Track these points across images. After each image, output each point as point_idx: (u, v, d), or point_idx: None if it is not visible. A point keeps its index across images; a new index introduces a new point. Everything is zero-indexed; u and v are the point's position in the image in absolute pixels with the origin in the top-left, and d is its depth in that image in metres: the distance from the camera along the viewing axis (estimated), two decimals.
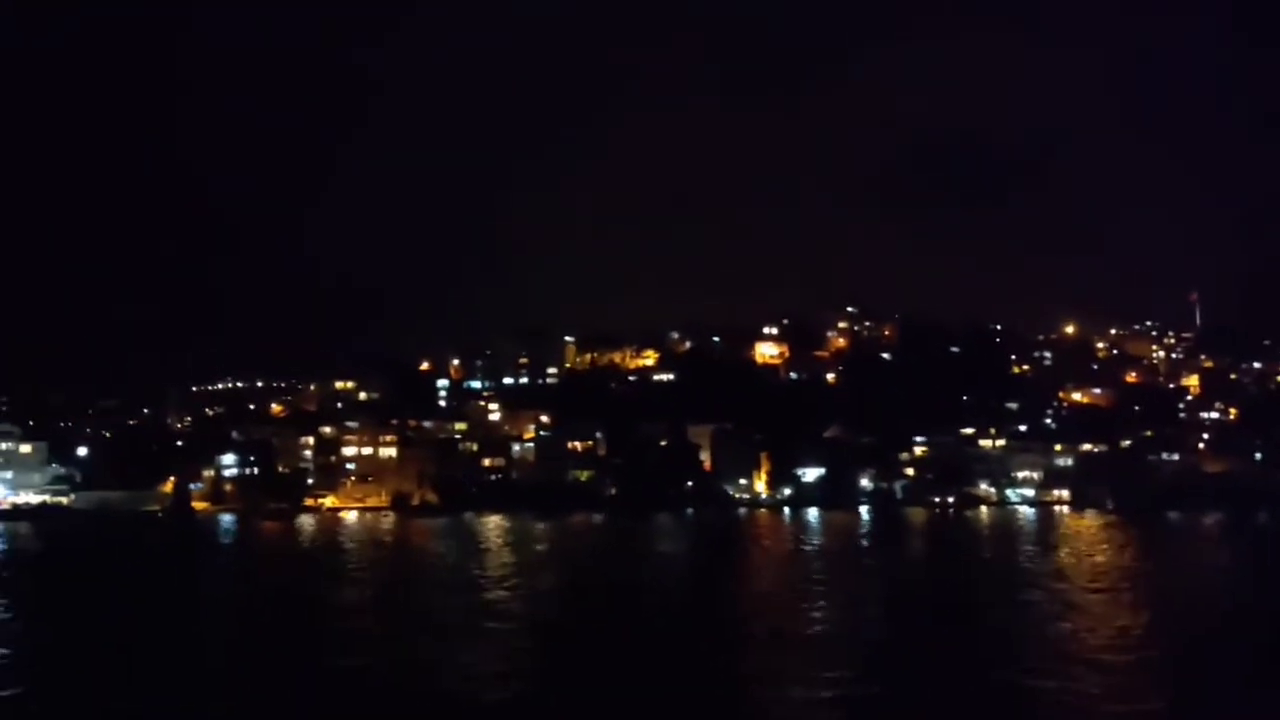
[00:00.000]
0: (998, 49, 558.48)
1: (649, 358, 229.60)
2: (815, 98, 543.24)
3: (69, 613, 47.86)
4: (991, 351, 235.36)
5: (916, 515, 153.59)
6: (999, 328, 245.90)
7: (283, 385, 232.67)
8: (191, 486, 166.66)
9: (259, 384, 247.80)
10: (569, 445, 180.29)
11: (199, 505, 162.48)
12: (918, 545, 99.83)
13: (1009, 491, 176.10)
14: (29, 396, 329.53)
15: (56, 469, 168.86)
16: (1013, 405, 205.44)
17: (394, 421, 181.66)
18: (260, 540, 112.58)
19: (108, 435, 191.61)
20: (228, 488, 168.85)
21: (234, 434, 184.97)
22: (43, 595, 57.33)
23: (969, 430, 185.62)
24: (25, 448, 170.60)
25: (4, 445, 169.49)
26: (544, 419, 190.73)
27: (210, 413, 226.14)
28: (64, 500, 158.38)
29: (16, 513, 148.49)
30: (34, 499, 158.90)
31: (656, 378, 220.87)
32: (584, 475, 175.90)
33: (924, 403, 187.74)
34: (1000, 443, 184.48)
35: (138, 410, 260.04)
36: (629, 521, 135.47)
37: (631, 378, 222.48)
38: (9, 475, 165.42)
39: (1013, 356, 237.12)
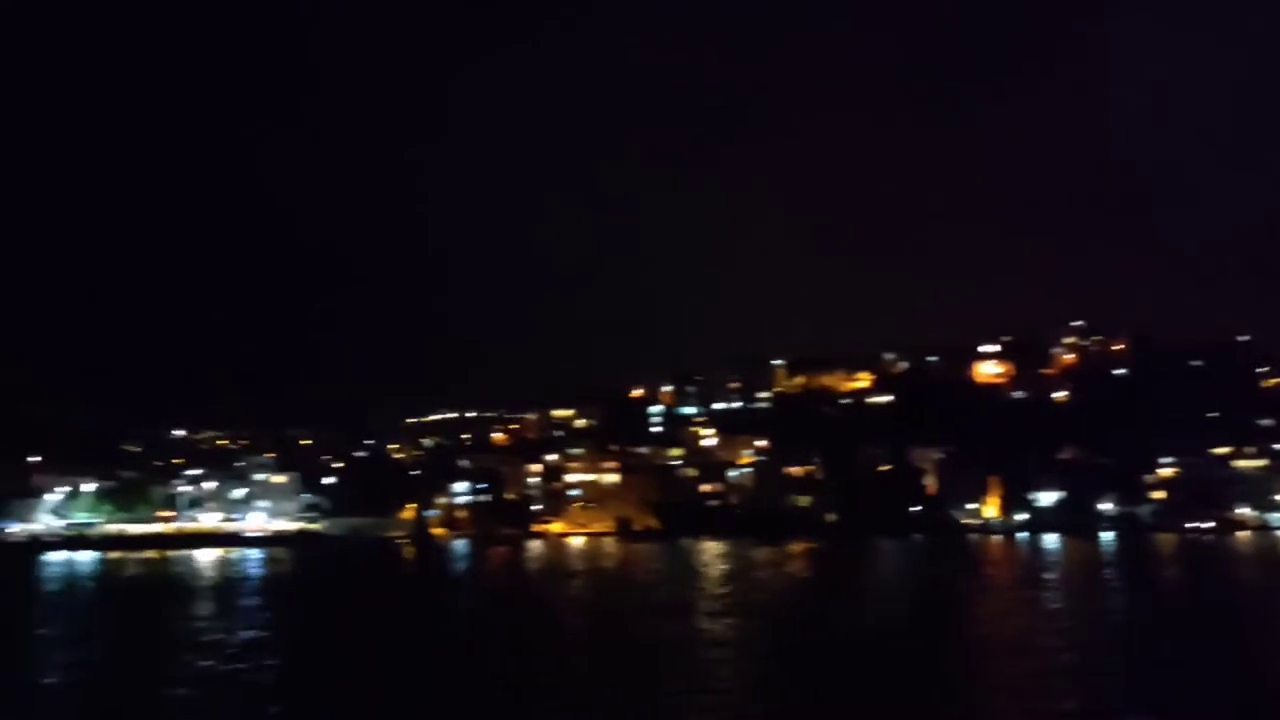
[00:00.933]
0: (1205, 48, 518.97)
1: (863, 380, 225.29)
2: (1022, 101, 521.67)
3: (334, 631, 50.56)
4: (1238, 365, 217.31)
5: (1166, 542, 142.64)
6: (1247, 339, 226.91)
7: (502, 415, 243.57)
8: (427, 514, 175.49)
9: (481, 414, 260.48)
10: (786, 470, 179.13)
11: (436, 531, 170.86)
12: (1181, 575, 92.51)
13: (1272, 514, 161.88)
14: (275, 432, 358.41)
15: (308, 498, 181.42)
16: (1266, 422, 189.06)
17: (613, 448, 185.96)
18: (495, 564, 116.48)
19: (349, 467, 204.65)
20: (460, 514, 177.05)
21: (462, 463, 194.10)
22: (310, 614, 60.85)
23: (1222, 450, 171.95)
24: (279, 478, 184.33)
25: (260, 476, 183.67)
26: (759, 444, 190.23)
27: (431, 443, 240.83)
28: (317, 527, 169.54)
29: (275, 539, 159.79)
30: (289, 526, 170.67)
31: (872, 400, 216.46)
32: (803, 501, 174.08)
33: (1166, 421, 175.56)
34: (1259, 462, 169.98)
35: (369, 444, 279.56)
36: (852, 548, 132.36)
37: (845, 400, 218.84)
38: (267, 504, 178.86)
39: (1260, 370, 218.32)
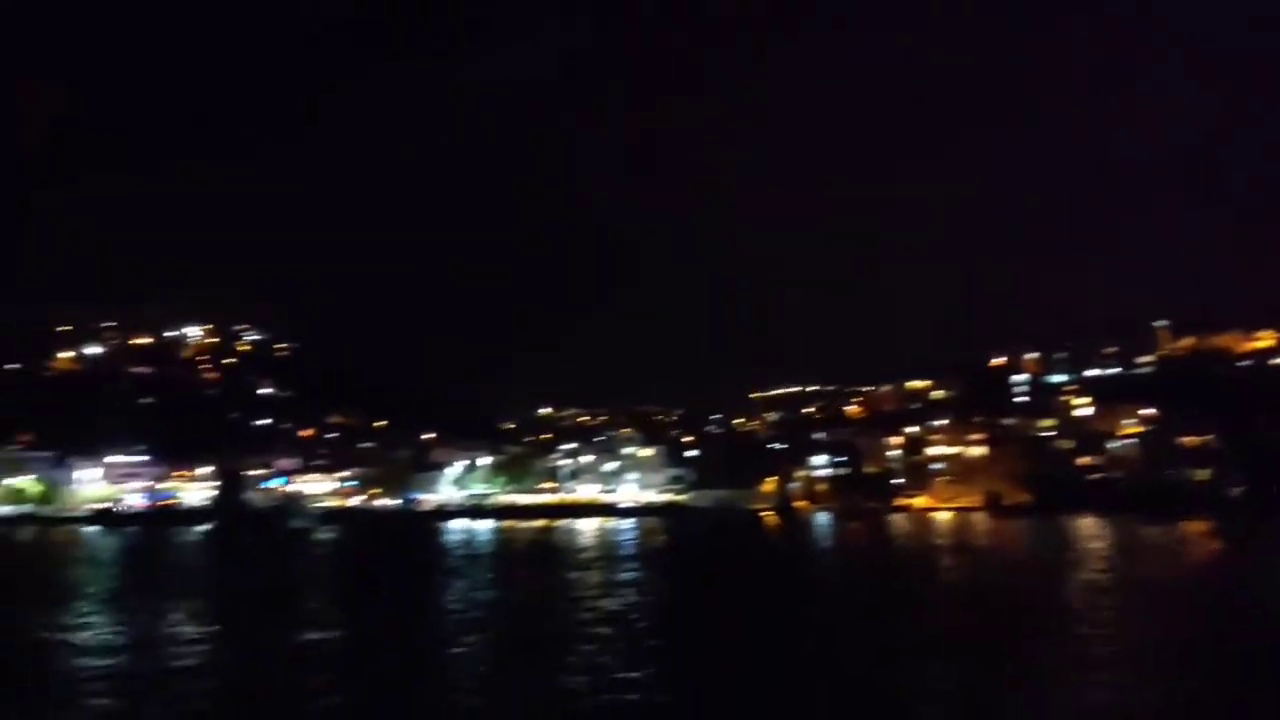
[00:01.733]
0: None
1: (1265, 339, 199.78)
2: None
3: (708, 598, 50.83)
4: None
5: None
6: None
7: (842, 389, 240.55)
8: (788, 486, 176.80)
9: (825, 388, 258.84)
10: (1178, 440, 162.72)
11: (798, 504, 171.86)
12: None
13: None
14: (630, 409, 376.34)
15: (673, 471, 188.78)
16: None
17: (977, 419, 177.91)
18: (858, 537, 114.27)
19: (709, 441, 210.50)
20: (820, 487, 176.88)
21: (817, 436, 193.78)
22: (686, 580, 62.01)
23: None
24: (647, 452, 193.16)
25: (629, 450, 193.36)
26: (1144, 412, 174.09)
27: (776, 416, 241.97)
28: (684, 498, 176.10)
29: (647, 510, 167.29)
30: (658, 497, 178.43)
31: (1275, 361, 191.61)
32: (1201, 474, 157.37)
33: None
34: None
35: (716, 418, 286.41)
36: (1261, 526, 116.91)
37: (1245, 363, 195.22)
38: (636, 477, 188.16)
39: None
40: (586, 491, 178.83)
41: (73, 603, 47.82)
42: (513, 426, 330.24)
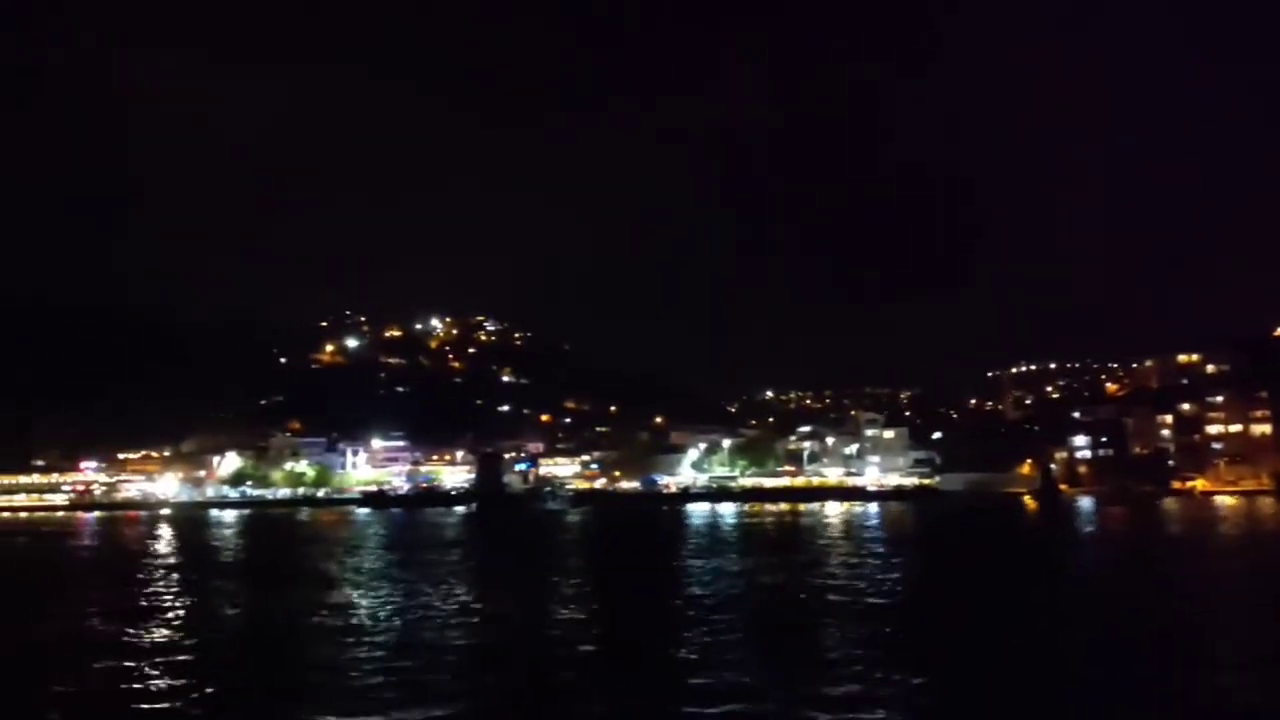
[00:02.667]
0: None
1: None
2: None
3: (962, 585, 46.99)
4: None
5: None
6: None
7: (1088, 365, 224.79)
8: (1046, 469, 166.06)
9: (1073, 365, 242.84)
10: None
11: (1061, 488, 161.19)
12: None
13: None
14: (850, 391, 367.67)
15: (918, 453, 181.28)
16: None
17: (1261, 395, 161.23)
18: (1129, 522, 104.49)
19: (958, 421, 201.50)
20: (1082, 470, 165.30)
21: (1076, 415, 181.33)
22: (939, 567, 58.03)
23: None
24: (888, 434, 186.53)
25: (871, 432, 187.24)
26: None
27: (1017, 395, 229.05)
28: (932, 481, 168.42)
29: (894, 493, 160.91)
30: (904, 480, 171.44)
31: None
32: None
33: None
34: None
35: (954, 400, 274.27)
36: None
37: None
38: (877, 459, 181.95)
39: None
40: (830, 474, 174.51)
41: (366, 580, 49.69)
42: (733, 410, 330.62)
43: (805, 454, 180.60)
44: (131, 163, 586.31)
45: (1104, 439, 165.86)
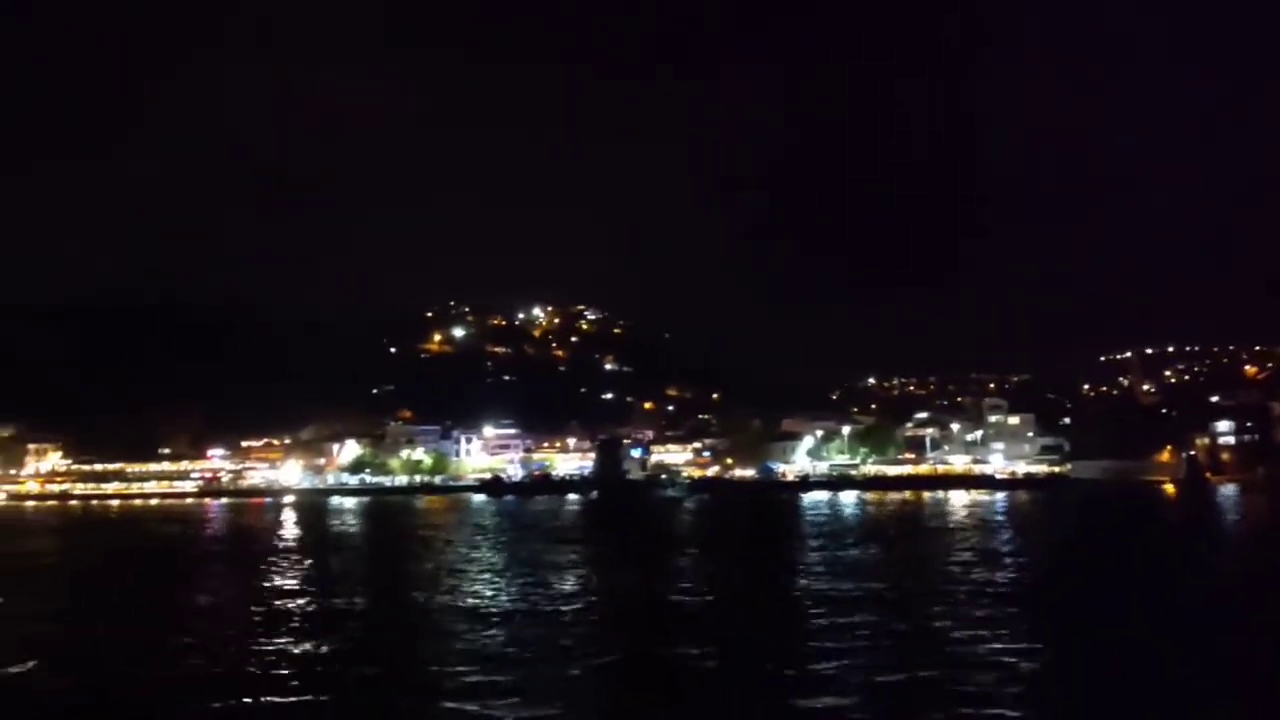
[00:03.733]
0: None
1: None
2: None
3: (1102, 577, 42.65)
4: None
5: None
6: None
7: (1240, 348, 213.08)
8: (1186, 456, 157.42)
9: (1208, 348, 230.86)
10: None
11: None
12: None
13: None
14: (961, 376, 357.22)
15: (1046, 440, 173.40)
16: None
17: None
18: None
19: (1087, 407, 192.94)
20: (1225, 456, 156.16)
21: (1215, 399, 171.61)
22: (1076, 558, 53.50)
23: None
24: (1013, 420, 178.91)
25: (995, 418, 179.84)
26: None
27: (1127, 380, 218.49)
28: (1063, 469, 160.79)
29: (1024, 482, 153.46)
30: (1032, 468, 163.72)
31: None
32: None
33: None
34: None
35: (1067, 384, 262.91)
36: None
37: None
38: (1001, 446, 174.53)
39: None
40: (955, 462, 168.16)
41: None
42: (836, 397, 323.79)
43: (927, 440, 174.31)
44: (241, 160, 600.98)
45: (1248, 424, 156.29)
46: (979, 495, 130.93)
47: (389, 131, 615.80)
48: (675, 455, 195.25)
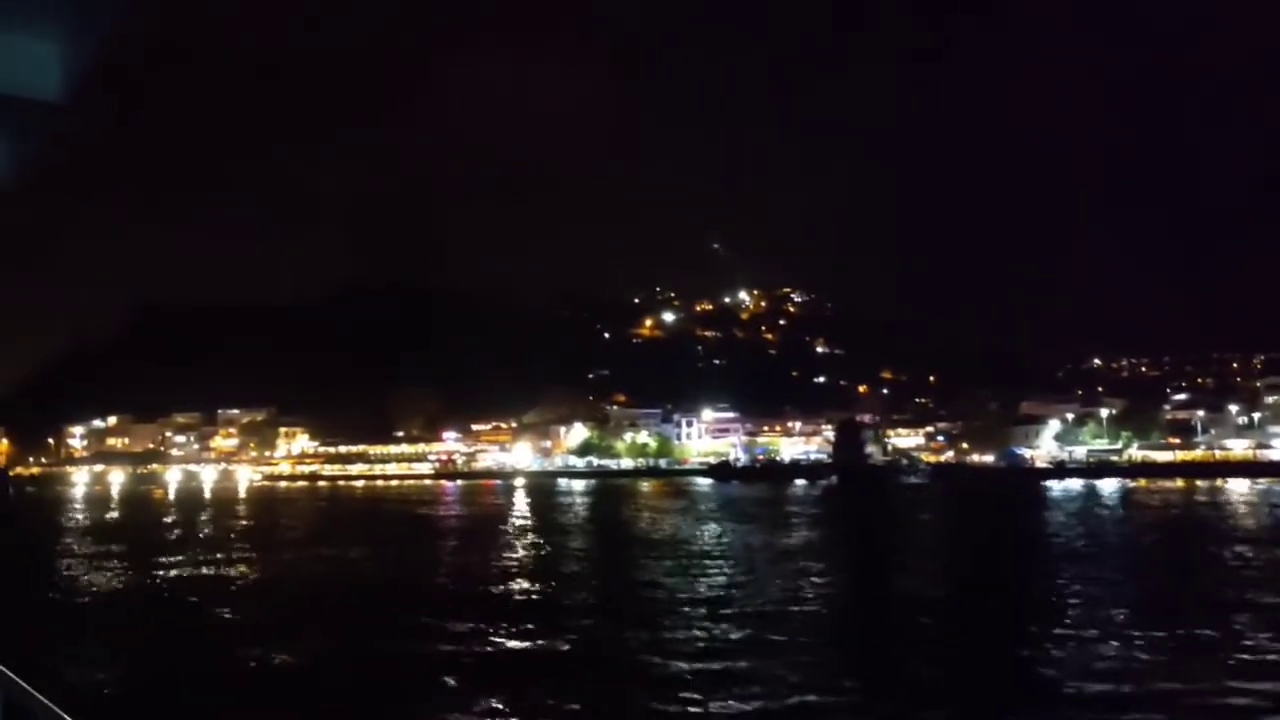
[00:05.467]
0: None
1: None
2: None
3: None
4: None
5: None
6: None
7: None
8: None
9: None
10: None
11: None
12: None
13: None
14: (1207, 356, 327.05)
15: None
16: None
17: None
18: None
19: None
20: None
21: None
22: None
23: None
24: None
25: (1272, 399, 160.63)
26: None
27: None
28: None
29: None
30: None
31: None
32: None
33: None
34: None
35: None
36: None
37: None
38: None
39: None
40: (1234, 447, 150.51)
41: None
42: (1061, 376, 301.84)
43: (1196, 424, 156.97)
44: (463, 152, 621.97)
45: None
46: (1271, 483, 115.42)
47: (599, 122, 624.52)
48: (905, 440, 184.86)
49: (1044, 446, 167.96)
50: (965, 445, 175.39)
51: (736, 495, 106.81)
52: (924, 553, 48.77)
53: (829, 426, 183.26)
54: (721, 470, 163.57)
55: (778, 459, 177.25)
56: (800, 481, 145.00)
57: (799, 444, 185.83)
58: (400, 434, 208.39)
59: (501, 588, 34.58)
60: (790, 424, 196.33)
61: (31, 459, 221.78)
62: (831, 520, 74.27)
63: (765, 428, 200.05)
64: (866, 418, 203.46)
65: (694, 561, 41.83)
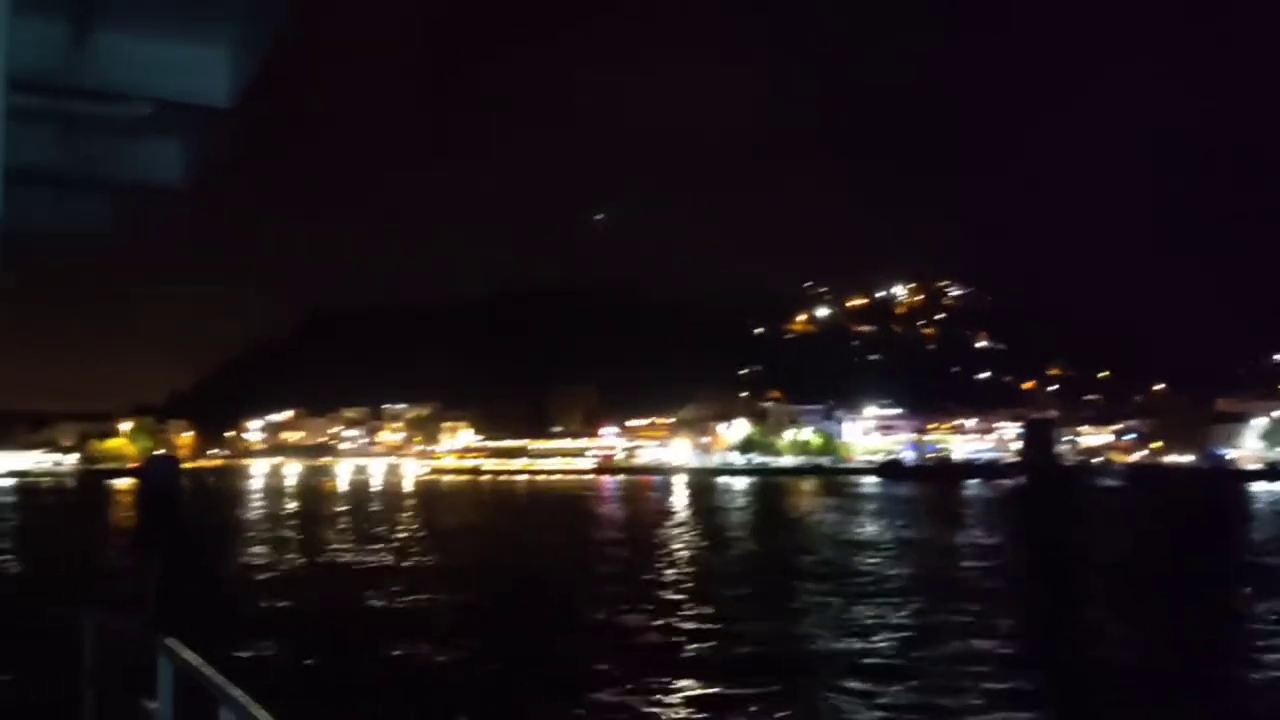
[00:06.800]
0: None
1: None
2: None
3: None
4: None
5: None
6: None
7: None
8: None
9: None
10: None
11: None
12: None
13: None
14: None
15: None
16: None
17: None
18: None
19: None
20: None
21: None
22: None
23: None
24: None
25: None
26: None
27: None
28: None
29: None
30: None
31: None
32: None
33: None
34: None
35: None
36: None
37: None
38: None
39: None
40: None
41: None
42: (1240, 374, 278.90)
43: None
44: (614, 151, 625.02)
45: None
46: None
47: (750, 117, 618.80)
48: (1090, 439, 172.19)
49: (1247, 446, 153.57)
50: (1158, 445, 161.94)
51: (910, 495, 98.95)
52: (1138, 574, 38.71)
53: (1005, 424, 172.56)
54: (891, 469, 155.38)
55: (950, 458, 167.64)
56: (973, 482, 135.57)
57: (974, 441, 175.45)
58: (558, 429, 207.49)
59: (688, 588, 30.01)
60: (962, 421, 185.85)
61: (212, 451, 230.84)
62: (1030, 527, 65.70)
63: (932, 425, 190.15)
64: (1049, 414, 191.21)
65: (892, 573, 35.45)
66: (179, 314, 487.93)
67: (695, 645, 21.13)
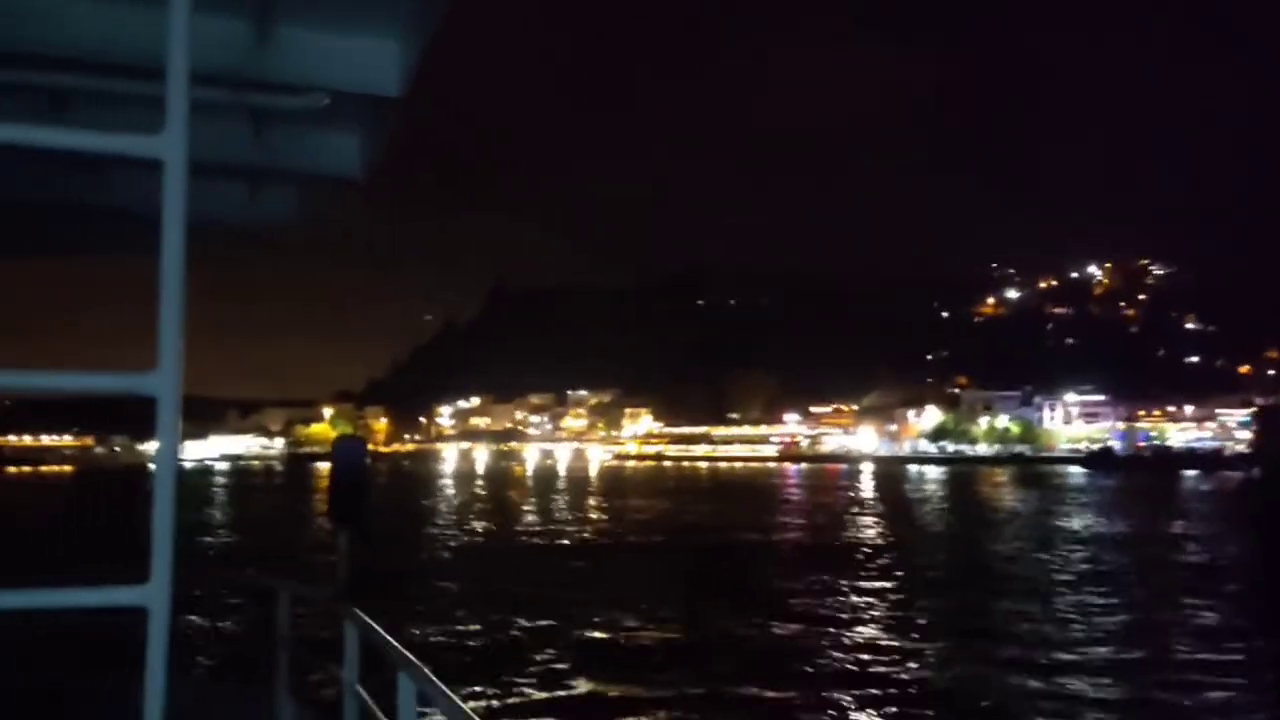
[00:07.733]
0: None
1: None
2: None
3: None
4: None
5: None
6: None
7: None
8: None
9: None
10: None
11: None
12: None
13: None
14: None
15: None
16: None
17: None
18: None
19: None
20: None
21: None
22: None
23: None
24: None
25: None
26: None
27: None
28: None
29: None
30: None
31: None
32: None
33: None
34: None
35: None
36: None
37: None
38: None
39: None
40: None
41: None
42: None
43: None
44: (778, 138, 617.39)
45: None
46: None
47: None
48: None
49: None
50: None
51: (1135, 488, 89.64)
52: None
53: (1228, 411, 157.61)
54: (1102, 458, 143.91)
55: (1168, 447, 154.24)
56: (1191, 474, 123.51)
57: (1188, 430, 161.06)
58: (737, 415, 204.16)
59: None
60: (1177, 408, 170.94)
61: (406, 436, 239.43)
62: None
63: (1140, 412, 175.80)
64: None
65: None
66: (376, 300, 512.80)
67: None
